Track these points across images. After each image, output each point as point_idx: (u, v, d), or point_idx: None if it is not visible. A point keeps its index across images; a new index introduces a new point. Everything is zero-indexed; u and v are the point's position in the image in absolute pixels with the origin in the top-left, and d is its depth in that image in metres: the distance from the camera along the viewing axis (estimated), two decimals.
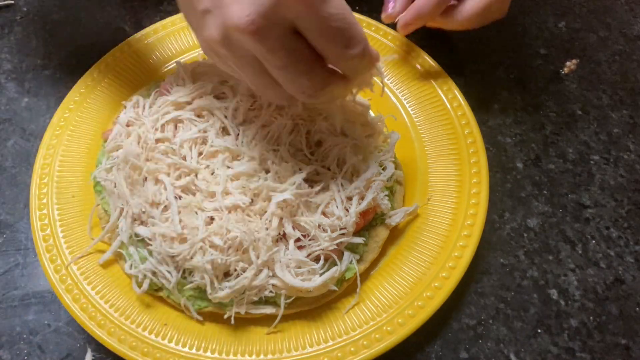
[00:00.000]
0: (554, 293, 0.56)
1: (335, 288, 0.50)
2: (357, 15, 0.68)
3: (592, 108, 0.68)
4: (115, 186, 0.51)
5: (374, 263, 0.54)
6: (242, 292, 0.48)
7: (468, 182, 0.57)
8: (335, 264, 0.49)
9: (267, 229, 0.48)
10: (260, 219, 0.48)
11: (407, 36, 0.66)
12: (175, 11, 0.72)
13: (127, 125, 0.54)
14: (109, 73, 0.64)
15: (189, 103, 0.54)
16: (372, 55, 0.43)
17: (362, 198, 0.51)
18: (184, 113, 0.53)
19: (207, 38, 0.41)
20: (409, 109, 0.63)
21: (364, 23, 0.68)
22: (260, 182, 0.49)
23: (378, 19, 0.69)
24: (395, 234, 0.56)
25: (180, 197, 0.49)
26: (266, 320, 0.50)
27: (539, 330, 0.54)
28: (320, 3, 0.37)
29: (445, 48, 0.72)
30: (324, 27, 0.38)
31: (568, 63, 0.72)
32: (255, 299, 0.49)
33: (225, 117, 0.53)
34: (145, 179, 0.50)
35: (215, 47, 0.41)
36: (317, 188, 0.50)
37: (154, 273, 0.49)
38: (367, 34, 0.66)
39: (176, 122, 0.52)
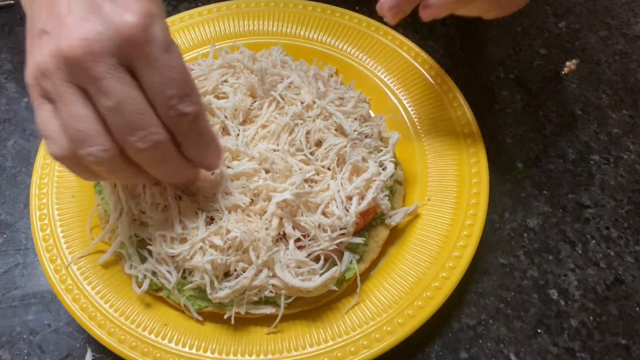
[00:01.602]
0: (554, 293, 0.56)
1: (335, 288, 0.50)
2: (357, 15, 0.68)
3: (592, 108, 0.68)
4: (115, 186, 0.51)
5: (374, 263, 0.54)
6: (242, 292, 0.48)
7: (468, 182, 0.57)
8: (335, 264, 0.49)
9: (267, 229, 0.48)
10: (260, 219, 0.48)
11: (407, 37, 0.66)
12: (175, 11, 0.72)
13: None
14: None
15: None
16: (208, 132, 0.42)
17: (362, 198, 0.51)
18: None
19: (37, 64, 0.36)
20: (409, 109, 0.63)
21: (364, 23, 0.68)
22: (260, 182, 0.49)
23: (378, 19, 0.69)
24: (395, 234, 0.56)
25: (180, 198, 0.49)
26: (266, 320, 0.50)
27: (539, 330, 0.54)
28: (162, 51, 0.36)
29: (445, 48, 0.72)
30: (161, 74, 0.37)
31: (568, 63, 0.72)
32: (255, 299, 0.49)
33: (226, 117, 0.53)
34: None
35: (40, 77, 0.37)
36: (317, 188, 0.50)
37: (154, 273, 0.49)
38: (367, 34, 0.67)
39: None
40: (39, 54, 0.36)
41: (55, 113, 0.37)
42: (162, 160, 0.40)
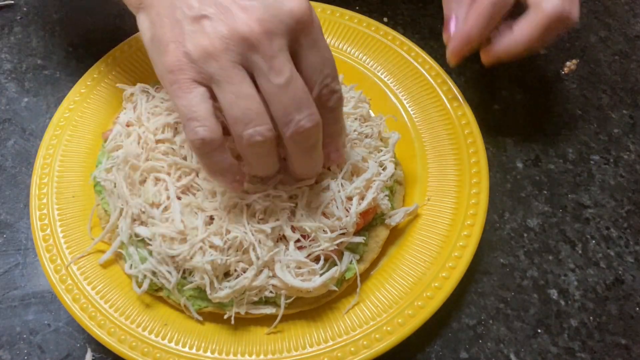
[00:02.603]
0: (554, 293, 0.56)
1: (335, 288, 0.50)
2: (357, 15, 0.68)
3: (592, 108, 0.68)
4: (115, 186, 0.51)
5: (374, 263, 0.54)
6: (242, 292, 0.48)
7: (468, 182, 0.57)
8: (335, 264, 0.49)
9: None
10: None
11: (407, 37, 0.66)
12: None
13: (127, 126, 0.54)
14: (109, 73, 0.64)
15: None
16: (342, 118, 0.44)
17: (362, 198, 0.51)
18: None
19: (196, 48, 0.37)
20: (409, 109, 0.63)
21: (364, 23, 0.68)
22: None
23: (378, 19, 0.69)
24: (395, 234, 0.56)
25: (179, 198, 0.49)
26: (266, 320, 0.50)
27: (539, 330, 0.54)
28: (321, 33, 0.39)
29: (445, 48, 0.72)
30: (321, 54, 0.39)
31: (568, 63, 0.72)
32: (256, 299, 0.49)
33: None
34: (145, 179, 0.50)
35: (203, 60, 0.38)
36: (317, 188, 0.50)
37: (154, 273, 0.49)
38: (367, 34, 0.67)
39: (177, 123, 0.52)
40: (202, 37, 0.37)
41: (207, 97, 0.38)
42: (314, 145, 0.41)
